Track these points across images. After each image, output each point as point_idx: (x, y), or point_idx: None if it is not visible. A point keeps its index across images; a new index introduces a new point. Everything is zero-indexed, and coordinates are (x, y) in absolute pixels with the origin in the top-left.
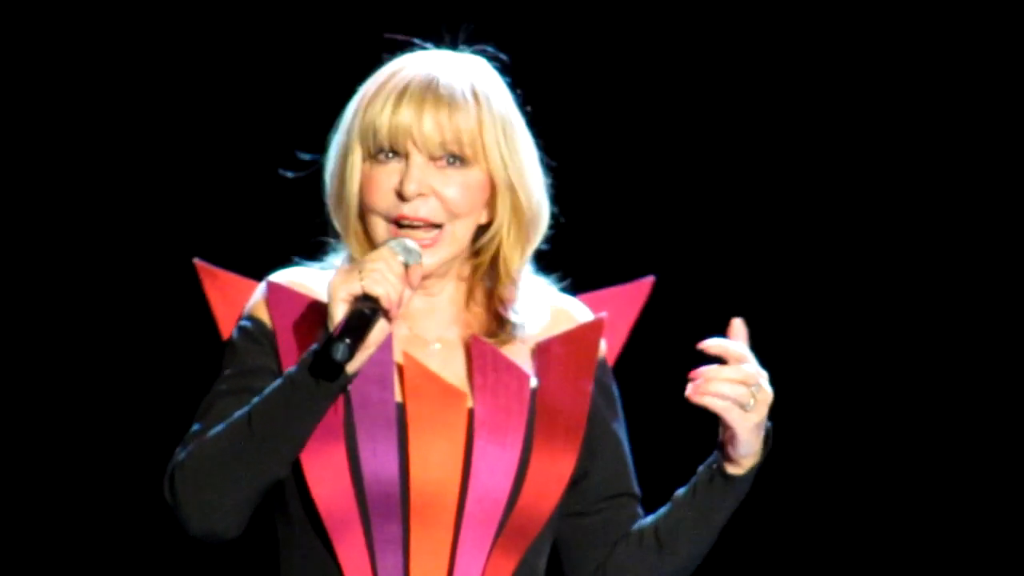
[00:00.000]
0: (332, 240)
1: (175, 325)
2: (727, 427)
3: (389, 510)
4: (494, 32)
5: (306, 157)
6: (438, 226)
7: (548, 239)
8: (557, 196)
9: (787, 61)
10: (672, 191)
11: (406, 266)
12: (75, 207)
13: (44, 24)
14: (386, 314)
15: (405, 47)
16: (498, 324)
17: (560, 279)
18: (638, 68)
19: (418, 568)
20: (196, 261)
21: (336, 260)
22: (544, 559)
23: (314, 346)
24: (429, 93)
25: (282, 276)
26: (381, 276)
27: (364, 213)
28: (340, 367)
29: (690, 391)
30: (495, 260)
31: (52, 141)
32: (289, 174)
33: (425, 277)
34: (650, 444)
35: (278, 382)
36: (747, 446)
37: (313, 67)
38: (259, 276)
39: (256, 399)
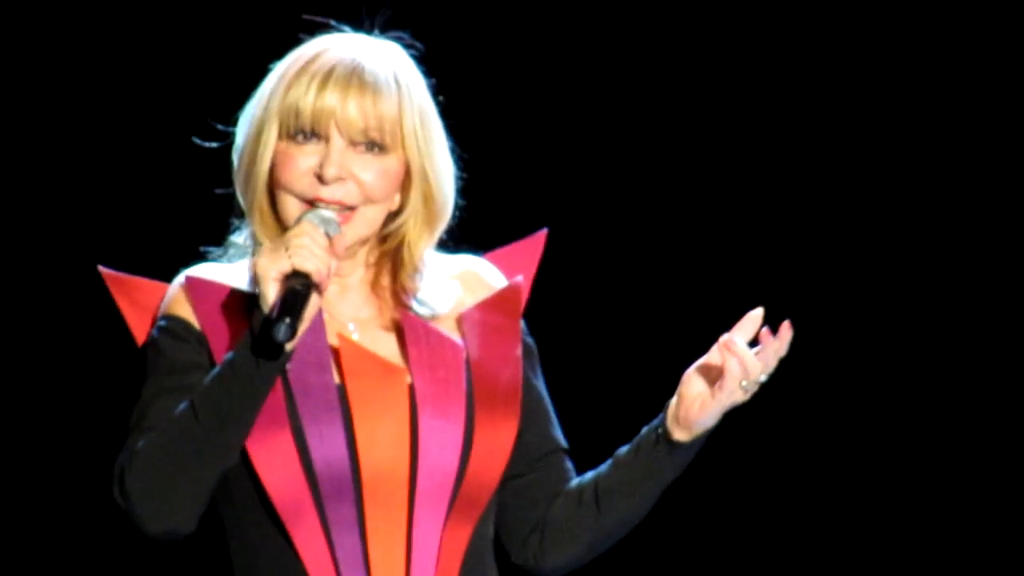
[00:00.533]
0: (234, 220)
1: (81, 333)
2: (701, 397)
3: (342, 493)
4: (408, 19)
5: (221, 128)
6: (352, 208)
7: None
8: (465, 188)
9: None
10: (565, 144)
11: (328, 237)
12: None
13: None
14: (318, 288)
15: (322, 29)
16: (405, 299)
17: (454, 241)
18: (551, 55)
19: (376, 547)
20: (101, 268)
21: (239, 239)
22: (492, 526)
23: (250, 329)
24: (354, 78)
25: (196, 271)
26: (309, 252)
27: (274, 191)
28: (281, 347)
29: (725, 340)
30: (399, 247)
31: None
32: (203, 144)
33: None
34: (564, 395)
35: (217, 370)
36: (711, 419)
37: (227, 46)
38: (163, 278)
39: (197, 390)
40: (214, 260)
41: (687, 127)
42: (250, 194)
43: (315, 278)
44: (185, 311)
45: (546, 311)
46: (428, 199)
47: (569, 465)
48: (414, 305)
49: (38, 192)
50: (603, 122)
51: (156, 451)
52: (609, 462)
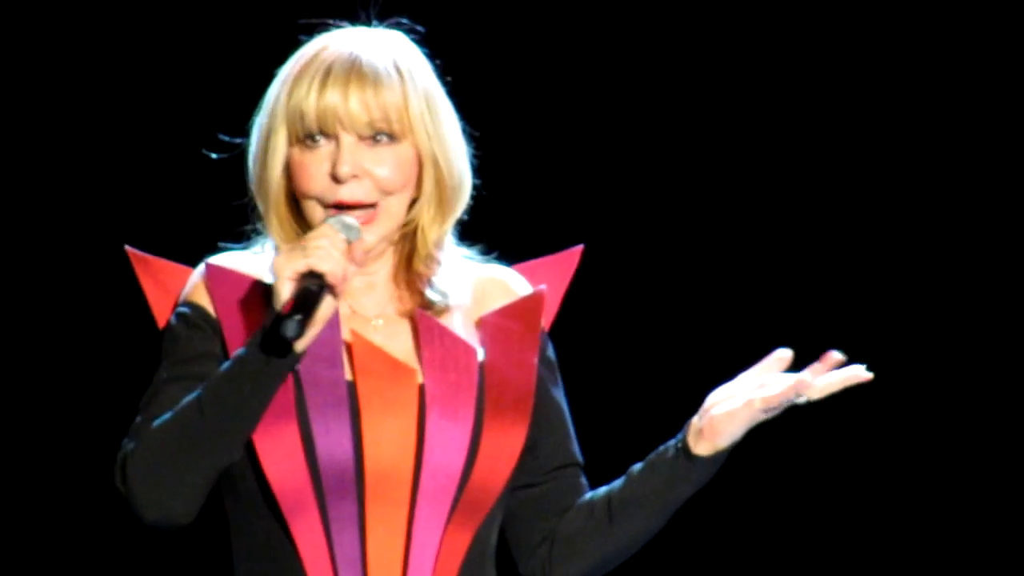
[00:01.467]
0: (256, 226)
1: (108, 314)
2: (730, 409)
3: (344, 489)
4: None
5: (227, 139)
6: (372, 205)
7: (472, 210)
8: (480, 168)
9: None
10: (597, 158)
11: (348, 243)
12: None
13: None
14: (332, 290)
15: (320, 29)
16: (424, 299)
17: (487, 251)
18: (560, 32)
19: (375, 546)
20: (128, 248)
21: (262, 247)
22: (495, 534)
23: (262, 326)
24: (353, 73)
25: (219, 259)
26: (326, 253)
27: (298, 198)
28: (290, 344)
29: (798, 381)
30: (414, 233)
31: None
32: (212, 155)
33: (365, 252)
34: (583, 411)
35: (227, 364)
36: (739, 430)
37: (235, 49)
38: (190, 262)
39: (206, 383)
40: (239, 248)
41: (726, 150)
42: (264, 202)
43: (330, 279)
44: (204, 299)
45: (573, 327)
46: (440, 183)
47: (583, 480)
48: (428, 292)
49: (71, 181)
50: (640, 136)
51: (159, 441)
52: (623, 477)
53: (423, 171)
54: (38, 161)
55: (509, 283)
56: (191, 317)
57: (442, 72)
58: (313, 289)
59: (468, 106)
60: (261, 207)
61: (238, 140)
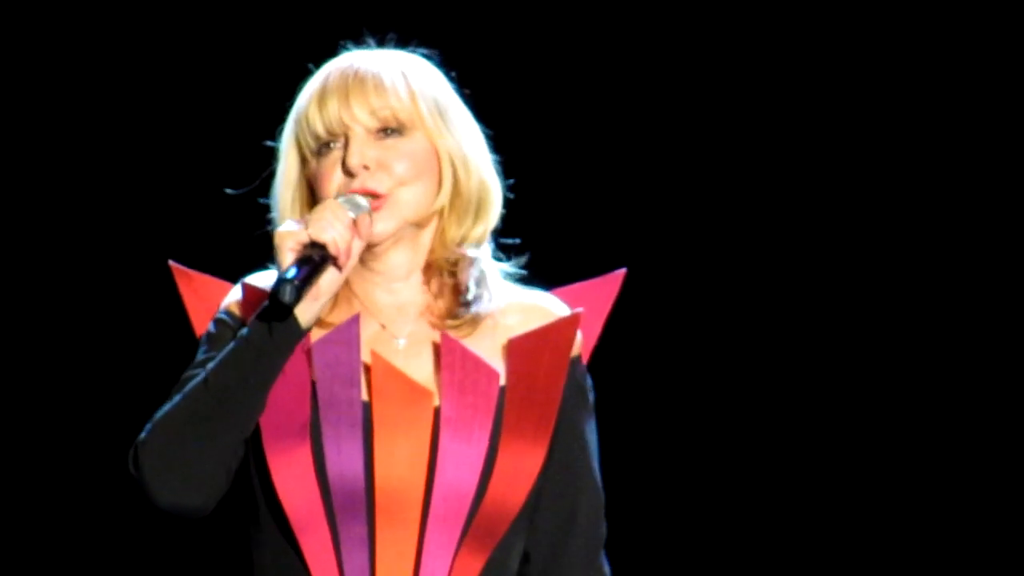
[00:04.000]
0: None
1: (151, 328)
2: None
3: (355, 509)
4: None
5: (270, 144)
6: (384, 195)
7: (511, 229)
8: (519, 187)
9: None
10: (639, 181)
11: (354, 219)
12: (49, 210)
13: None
14: (335, 261)
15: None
16: (454, 306)
17: (529, 275)
18: (588, 52)
19: (384, 567)
20: (171, 263)
21: None
22: (516, 558)
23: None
24: (353, 78)
25: (256, 279)
26: (328, 223)
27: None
28: (288, 309)
29: None
30: (441, 237)
31: (25, 143)
32: (230, 191)
33: (372, 245)
34: (626, 439)
35: (233, 343)
36: None
37: (288, 64)
38: (234, 279)
39: (212, 362)
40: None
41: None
42: (280, 217)
43: (331, 249)
44: (241, 312)
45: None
46: (458, 181)
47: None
48: (463, 300)
49: (111, 191)
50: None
51: (166, 422)
52: None
53: (441, 168)
54: (92, 175)
55: (548, 307)
56: (227, 322)
57: (460, 84)
58: (314, 258)
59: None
60: (276, 220)
61: (271, 145)
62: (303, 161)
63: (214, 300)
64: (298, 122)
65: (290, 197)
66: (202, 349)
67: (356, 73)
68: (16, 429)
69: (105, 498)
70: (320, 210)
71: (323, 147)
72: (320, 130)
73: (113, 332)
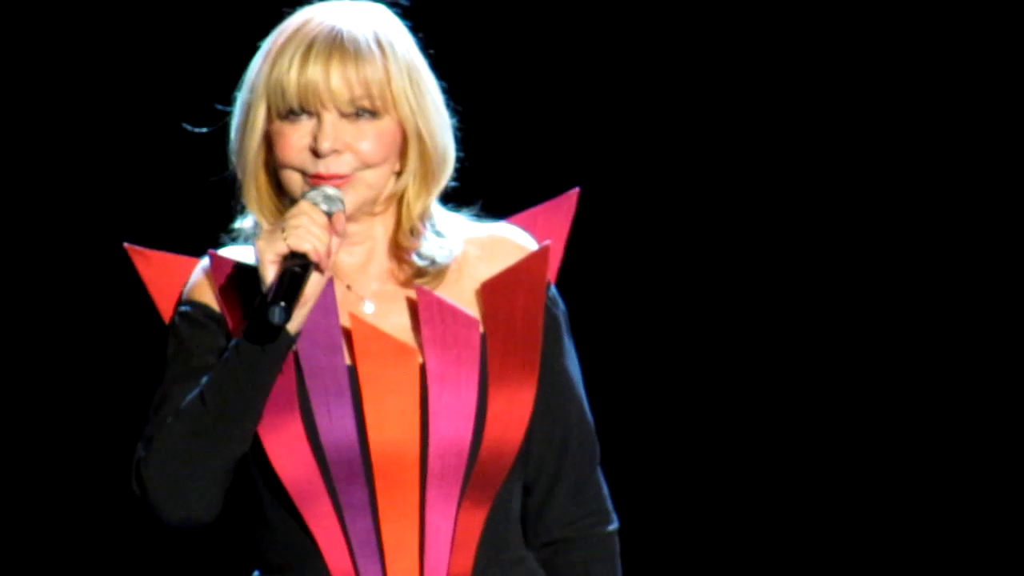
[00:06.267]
0: (240, 202)
1: (112, 314)
2: None
3: (353, 475)
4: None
5: (221, 108)
6: (350, 176)
7: (459, 178)
8: (464, 138)
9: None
10: (586, 123)
11: (329, 216)
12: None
13: None
14: (317, 267)
15: (304, 1)
16: (416, 261)
17: (478, 213)
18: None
19: (389, 529)
20: (126, 245)
21: (245, 223)
22: (517, 499)
23: (252, 313)
24: (335, 49)
25: (221, 251)
26: (305, 231)
27: (277, 168)
28: (279, 329)
29: None
30: (399, 207)
31: None
32: (195, 129)
33: (349, 219)
34: (597, 366)
35: (224, 357)
36: None
37: (218, 26)
38: (193, 252)
39: (207, 377)
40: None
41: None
42: (244, 173)
43: (313, 257)
44: (206, 296)
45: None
46: (425, 157)
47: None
48: (416, 261)
49: (64, 179)
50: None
51: (168, 441)
52: None
53: (407, 145)
54: (27, 158)
55: (511, 238)
56: (194, 315)
57: (424, 45)
58: (296, 270)
59: (450, 78)
60: (240, 177)
61: (226, 108)
62: (268, 117)
63: (176, 279)
64: (272, 84)
65: (255, 149)
66: (175, 350)
67: (339, 47)
68: None
69: (89, 487)
70: (296, 216)
71: (290, 112)
72: (294, 103)
73: (80, 322)
